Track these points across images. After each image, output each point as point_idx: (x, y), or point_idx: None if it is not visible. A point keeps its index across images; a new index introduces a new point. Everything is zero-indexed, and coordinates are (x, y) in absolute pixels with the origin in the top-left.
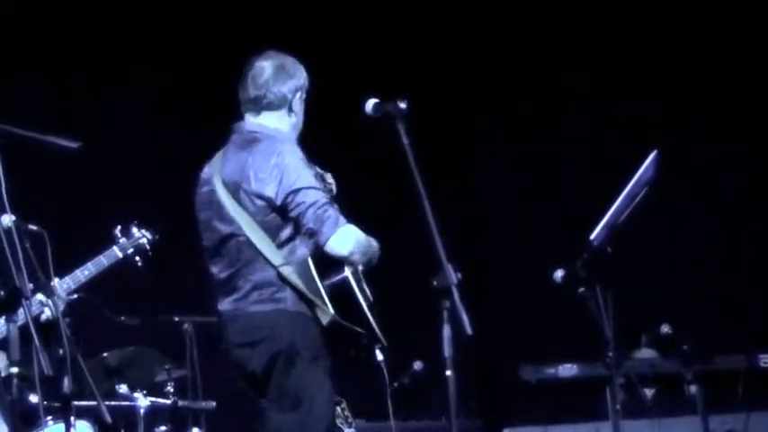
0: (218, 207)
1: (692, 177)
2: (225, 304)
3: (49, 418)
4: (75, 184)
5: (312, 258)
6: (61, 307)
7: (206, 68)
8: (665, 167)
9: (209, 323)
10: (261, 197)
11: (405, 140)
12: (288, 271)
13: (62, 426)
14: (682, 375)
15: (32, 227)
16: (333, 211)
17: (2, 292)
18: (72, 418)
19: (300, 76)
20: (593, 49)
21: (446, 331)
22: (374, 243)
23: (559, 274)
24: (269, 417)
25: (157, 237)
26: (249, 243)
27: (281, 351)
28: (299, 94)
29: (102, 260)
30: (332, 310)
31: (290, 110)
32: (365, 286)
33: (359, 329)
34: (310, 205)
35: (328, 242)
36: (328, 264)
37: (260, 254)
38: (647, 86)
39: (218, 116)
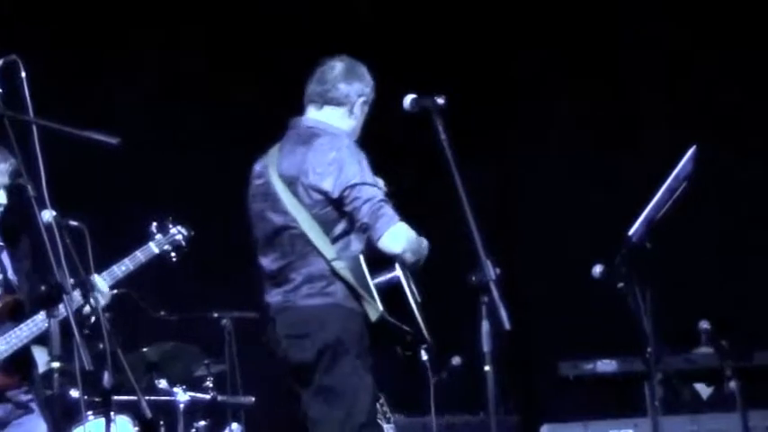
0: (273, 199)
1: (734, 172)
2: (274, 296)
3: (90, 412)
4: (113, 180)
5: (364, 256)
6: (104, 302)
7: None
8: (706, 162)
9: (247, 319)
10: (318, 190)
11: (442, 136)
12: (340, 265)
13: (102, 420)
14: (721, 371)
15: (72, 222)
16: (388, 209)
17: (43, 288)
18: (112, 413)
19: (368, 83)
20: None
21: (485, 327)
22: (424, 243)
23: (598, 269)
24: (311, 410)
25: (193, 233)
26: (303, 236)
27: (329, 345)
28: (362, 99)
29: (139, 256)
30: (380, 306)
31: (351, 111)
32: (413, 286)
33: (406, 327)
34: (366, 201)
35: (382, 238)
36: (379, 262)
37: (313, 247)
38: (686, 80)
39: (257, 115)
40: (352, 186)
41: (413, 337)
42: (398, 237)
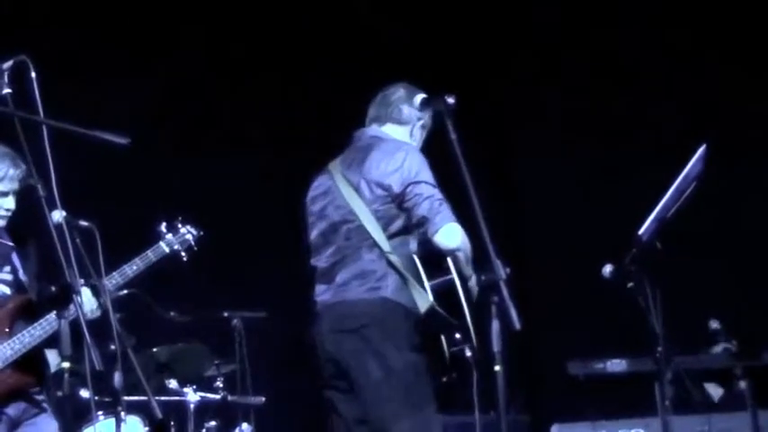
0: (334, 196)
1: (743, 171)
2: (323, 293)
3: (100, 413)
4: (123, 181)
5: (419, 257)
6: (89, 313)
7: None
8: (716, 162)
9: (258, 319)
10: (381, 186)
11: (452, 136)
12: (394, 258)
13: (113, 421)
14: (731, 371)
15: (83, 222)
16: (447, 207)
17: (53, 288)
18: (122, 413)
19: (426, 111)
20: (646, 49)
21: (495, 326)
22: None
23: (608, 269)
24: (359, 402)
25: (202, 233)
26: (360, 228)
27: (379, 337)
28: (420, 122)
29: (150, 256)
30: (431, 298)
31: (412, 132)
32: (470, 292)
33: (455, 321)
34: (427, 197)
35: (438, 233)
36: (434, 266)
37: (370, 239)
38: (698, 82)
39: (263, 117)
40: (416, 183)
41: (461, 333)
42: (455, 234)
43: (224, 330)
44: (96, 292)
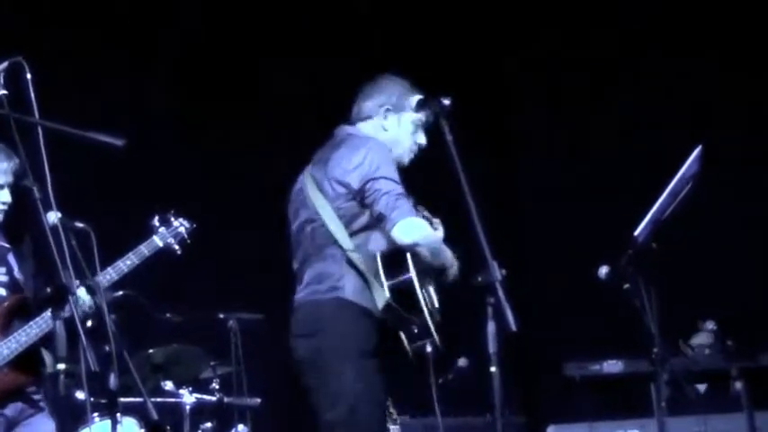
0: (303, 196)
1: (739, 172)
2: (296, 295)
3: (96, 414)
4: (117, 182)
5: (381, 256)
6: (91, 303)
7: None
8: (711, 162)
9: (254, 320)
10: (341, 183)
11: (448, 137)
12: (355, 256)
13: (108, 422)
14: (727, 372)
15: (78, 224)
16: (405, 202)
17: (48, 289)
18: (118, 415)
19: (391, 94)
20: (639, 48)
21: (490, 328)
22: (449, 252)
23: (604, 270)
24: (319, 411)
25: (195, 225)
26: (323, 227)
27: (334, 345)
28: (383, 109)
29: (143, 250)
30: (388, 294)
31: (381, 124)
32: (433, 294)
33: (412, 317)
34: (386, 193)
35: (395, 227)
36: (395, 264)
37: (332, 238)
38: (694, 82)
39: (258, 110)
40: (375, 179)
41: (419, 328)
42: (411, 228)
43: (220, 332)
44: (91, 293)
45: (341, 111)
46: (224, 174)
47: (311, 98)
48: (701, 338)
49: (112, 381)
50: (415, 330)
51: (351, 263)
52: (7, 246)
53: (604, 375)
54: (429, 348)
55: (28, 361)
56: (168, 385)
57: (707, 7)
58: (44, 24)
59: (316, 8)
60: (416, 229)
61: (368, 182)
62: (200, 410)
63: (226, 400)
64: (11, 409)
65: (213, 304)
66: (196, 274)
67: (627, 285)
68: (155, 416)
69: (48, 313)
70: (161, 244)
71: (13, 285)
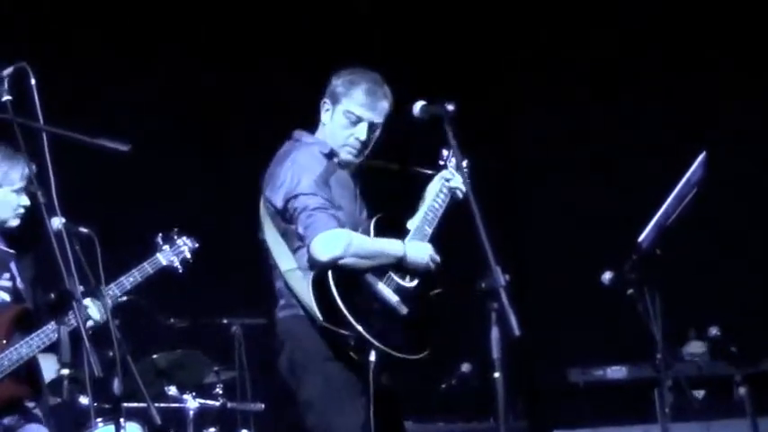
0: (258, 213)
1: (744, 178)
2: None
3: (99, 419)
4: (121, 187)
5: (312, 276)
6: (105, 316)
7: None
8: (715, 169)
9: (257, 325)
10: (269, 202)
11: (453, 142)
12: (295, 276)
13: (112, 427)
14: (731, 377)
15: (82, 229)
16: (319, 216)
17: (52, 295)
18: (122, 420)
19: (332, 87)
20: (639, 48)
21: (494, 333)
22: (390, 245)
23: (608, 276)
24: (301, 424)
25: (197, 245)
26: (268, 249)
27: (297, 358)
28: (323, 103)
29: (147, 267)
30: (320, 316)
31: (320, 119)
32: (386, 290)
33: (345, 332)
34: (301, 211)
35: (310, 248)
36: (322, 282)
37: (273, 259)
38: (696, 88)
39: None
40: (294, 197)
41: (355, 340)
42: (326, 244)
43: (223, 337)
44: (96, 298)
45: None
46: (226, 177)
47: (311, 98)
48: (694, 347)
49: (116, 386)
50: (352, 343)
51: (287, 284)
52: (11, 252)
53: (608, 381)
54: (372, 357)
55: (28, 372)
56: (172, 390)
57: (707, 7)
58: (44, 26)
59: (316, 8)
60: (332, 244)
61: (288, 200)
62: (203, 416)
63: (229, 405)
64: (8, 420)
65: (216, 310)
66: (199, 279)
67: (630, 291)
68: (158, 421)
69: (49, 327)
70: (164, 262)
71: (16, 292)
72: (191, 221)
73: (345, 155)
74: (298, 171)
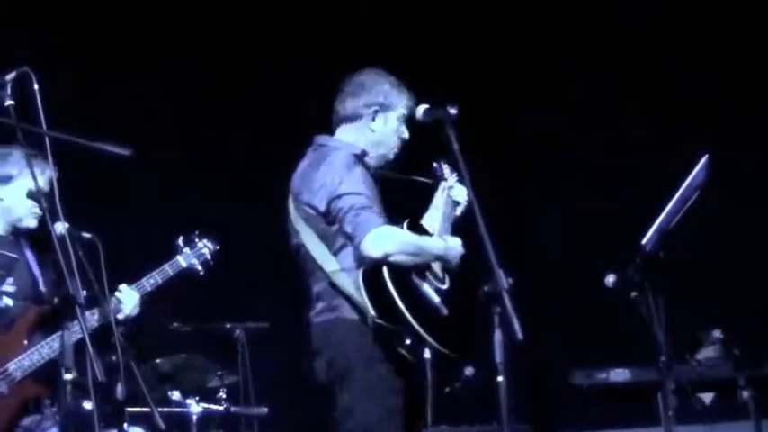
0: (289, 220)
1: (746, 181)
2: (309, 311)
3: (103, 424)
4: (122, 191)
5: (362, 272)
6: (136, 311)
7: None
8: (718, 171)
9: (260, 329)
10: (310, 206)
11: (455, 146)
12: (341, 277)
13: None
14: (734, 380)
15: (85, 234)
16: (368, 213)
17: (56, 300)
18: (125, 425)
19: (378, 93)
20: (648, 54)
21: (497, 336)
22: (432, 242)
23: (611, 278)
24: (336, 426)
25: (218, 247)
26: (308, 252)
27: (337, 362)
28: (373, 109)
29: (167, 269)
30: (373, 313)
31: (367, 125)
32: (430, 289)
33: (400, 328)
34: (347, 211)
35: (362, 245)
36: (375, 279)
37: (315, 262)
38: (700, 91)
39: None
40: (337, 198)
41: (410, 338)
42: (378, 240)
43: (227, 341)
44: (96, 304)
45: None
46: (228, 181)
47: (312, 98)
48: (708, 352)
49: (119, 390)
50: (408, 341)
51: (334, 285)
52: (14, 256)
53: (611, 384)
54: (427, 354)
55: (47, 373)
56: (175, 395)
57: (707, 8)
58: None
59: (316, 8)
60: (384, 240)
61: (331, 202)
62: (207, 420)
63: (233, 409)
64: (28, 420)
65: (220, 314)
66: (202, 283)
67: (634, 294)
68: (162, 425)
69: (74, 327)
70: (184, 264)
71: (36, 295)
72: (193, 226)
73: (391, 156)
74: (337, 172)
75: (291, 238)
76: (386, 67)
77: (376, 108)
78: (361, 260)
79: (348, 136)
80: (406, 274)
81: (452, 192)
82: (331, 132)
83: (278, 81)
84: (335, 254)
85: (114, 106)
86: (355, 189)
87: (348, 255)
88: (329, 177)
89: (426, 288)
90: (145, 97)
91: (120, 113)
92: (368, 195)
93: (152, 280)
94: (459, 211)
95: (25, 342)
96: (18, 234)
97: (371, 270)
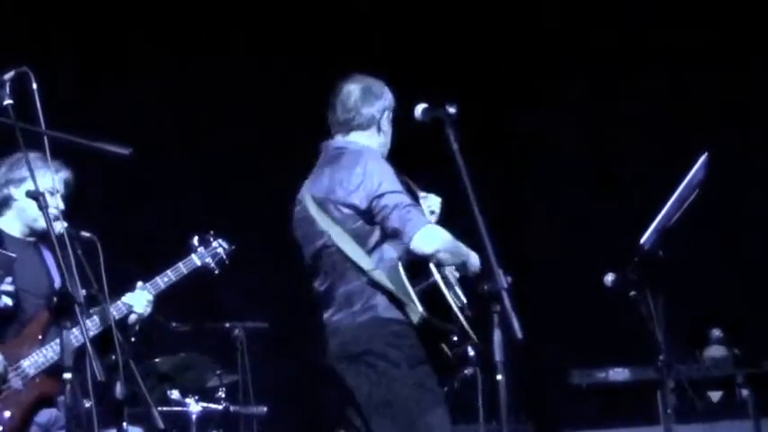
0: (310, 222)
1: (745, 179)
2: (326, 316)
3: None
4: (127, 189)
5: (402, 263)
6: (148, 311)
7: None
8: (719, 170)
9: (260, 329)
10: (347, 205)
11: (454, 146)
12: (378, 275)
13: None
14: (734, 379)
15: (84, 234)
16: (416, 212)
17: (54, 299)
18: (125, 424)
19: (387, 97)
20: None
21: (497, 336)
22: (464, 247)
23: (610, 277)
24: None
25: (233, 247)
26: (339, 252)
27: (378, 362)
28: (386, 114)
29: (181, 267)
30: (421, 309)
31: (379, 129)
32: (458, 291)
33: (449, 326)
34: (394, 207)
35: (413, 240)
36: (417, 270)
37: (350, 261)
38: (702, 88)
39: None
40: (380, 196)
41: (457, 335)
42: (429, 237)
43: (226, 340)
44: (96, 303)
45: None
46: (227, 180)
47: (312, 98)
48: (714, 351)
49: (119, 390)
50: (454, 338)
51: (374, 283)
52: (14, 256)
53: (611, 383)
54: (471, 352)
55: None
56: (174, 394)
57: (707, 9)
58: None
59: (316, 8)
60: (435, 237)
61: (373, 200)
62: (206, 419)
63: (232, 408)
64: (43, 417)
65: (219, 313)
66: (202, 282)
67: (633, 293)
68: (161, 425)
69: (87, 323)
70: (199, 263)
71: (36, 295)
72: (193, 225)
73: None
74: (375, 172)
75: (310, 243)
76: (386, 67)
77: (388, 113)
78: (408, 255)
79: (362, 140)
80: (446, 277)
81: (427, 202)
82: (328, 137)
83: (278, 81)
84: (369, 252)
85: (114, 106)
86: (396, 188)
87: (384, 252)
88: (367, 176)
89: (457, 289)
90: (145, 97)
91: (119, 113)
92: (407, 194)
93: (166, 278)
94: (434, 219)
95: (39, 337)
96: (36, 235)
97: (416, 266)
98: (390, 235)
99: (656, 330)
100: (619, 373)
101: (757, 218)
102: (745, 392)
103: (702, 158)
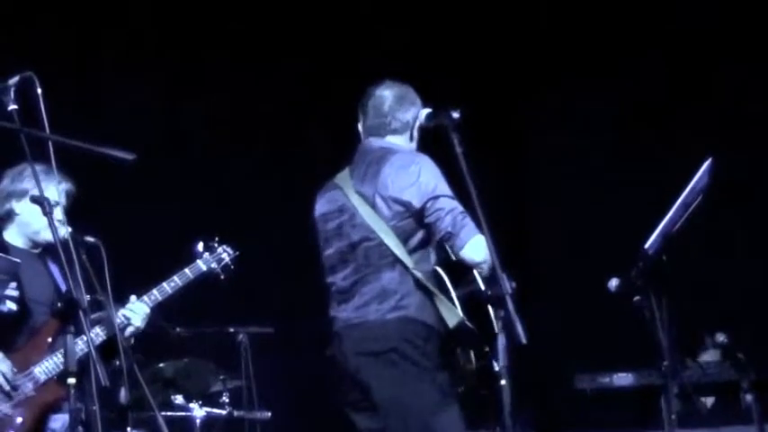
0: (351, 214)
1: (752, 184)
2: (341, 311)
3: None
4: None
5: (442, 267)
6: (142, 324)
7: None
8: (723, 175)
9: (263, 334)
10: (398, 202)
11: (458, 150)
12: (419, 274)
13: None
14: (738, 384)
15: (89, 238)
16: (470, 220)
17: (59, 304)
18: (129, 429)
19: (419, 105)
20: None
21: (500, 341)
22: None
23: (614, 282)
24: (386, 427)
25: (238, 253)
26: (381, 245)
27: (399, 361)
28: (417, 121)
29: (188, 273)
30: (461, 313)
31: (412, 135)
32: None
33: (480, 333)
34: (449, 211)
35: (465, 247)
36: (456, 275)
37: (392, 256)
38: (704, 93)
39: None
40: (435, 198)
41: (490, 345)
42: (480, 247)
43: (230, 346)
44: (100, 308)
45: (342, 113)
46: (231, 183)
47: (312, 99)
48: (710, 355)
49: (123, 395)
50: (487, 348)
51: (417, 280)
52: (18, 261)
53: (615, 388)
54: (497, 367)
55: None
56: (178, 399)
57: (708, 10)
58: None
59: (316, 8)
60: (483, 247)
61: (428, 200)
62: (210, 424)
63: (236, 413)
64: (57, 422)
65: (223, 318)
66: (206, 288)
67: (637, 298)
68: (165, 430)
69: (96, 329)
70: (204, 268)
71: (45, 304)
72: (197, 229)
73: None
74: (432, 175)
75: (344, 235)
76: (386, 67)
77: (418, 121)
78: (456, 259)
79: (399, 143)
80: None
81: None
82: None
83: (277, 81)
84: (410, 252)
85: (114, 106)
86: (450, 193)
87: (425, 255)
88: (423, 177)
89: None
90: (144, 97)
91: (118, 113)
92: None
93: (172, 283)
94: None
95: (49, 341)
96: (40, 246)
97: (455, 272)
98: (438, 237)
99: (661, 335)
100: (623, 378)
101: (763, 221)
102: (749, 398)
103: (707, 164)
